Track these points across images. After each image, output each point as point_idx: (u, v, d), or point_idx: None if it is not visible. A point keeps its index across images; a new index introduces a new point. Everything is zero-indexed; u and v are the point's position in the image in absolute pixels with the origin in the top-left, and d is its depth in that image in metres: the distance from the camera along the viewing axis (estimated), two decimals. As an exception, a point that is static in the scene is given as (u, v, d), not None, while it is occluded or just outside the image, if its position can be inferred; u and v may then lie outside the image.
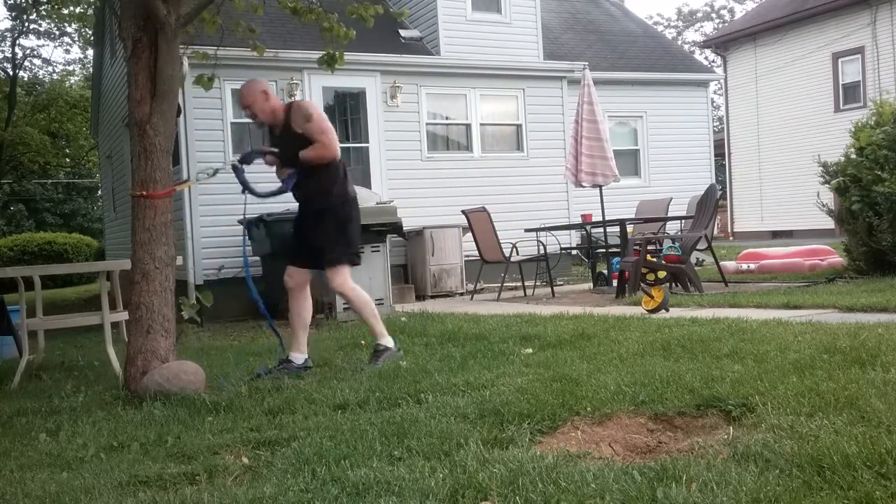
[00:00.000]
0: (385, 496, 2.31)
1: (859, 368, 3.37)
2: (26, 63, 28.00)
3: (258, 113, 4.69)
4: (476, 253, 9.39)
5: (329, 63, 6.22)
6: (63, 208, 35.37)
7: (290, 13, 6.11)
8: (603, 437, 2.91)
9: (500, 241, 9.28)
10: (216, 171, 4.79)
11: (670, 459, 2.45)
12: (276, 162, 4.78)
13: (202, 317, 7.96)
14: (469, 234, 9.50)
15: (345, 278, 4.77)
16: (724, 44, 23.14)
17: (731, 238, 22.06)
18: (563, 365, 4.05)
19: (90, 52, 22.37)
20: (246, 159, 4.75)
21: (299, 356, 4.81)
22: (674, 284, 7.61)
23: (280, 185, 4.75)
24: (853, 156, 8.15)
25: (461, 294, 10.19)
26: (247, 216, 9.22)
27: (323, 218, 4.73)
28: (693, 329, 4.85)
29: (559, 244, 10.90)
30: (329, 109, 11.15)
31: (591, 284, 9.97)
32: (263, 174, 5.10)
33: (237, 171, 4.69)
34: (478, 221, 9.30)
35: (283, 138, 4.74)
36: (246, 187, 4.66)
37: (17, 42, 25.79)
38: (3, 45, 25.87)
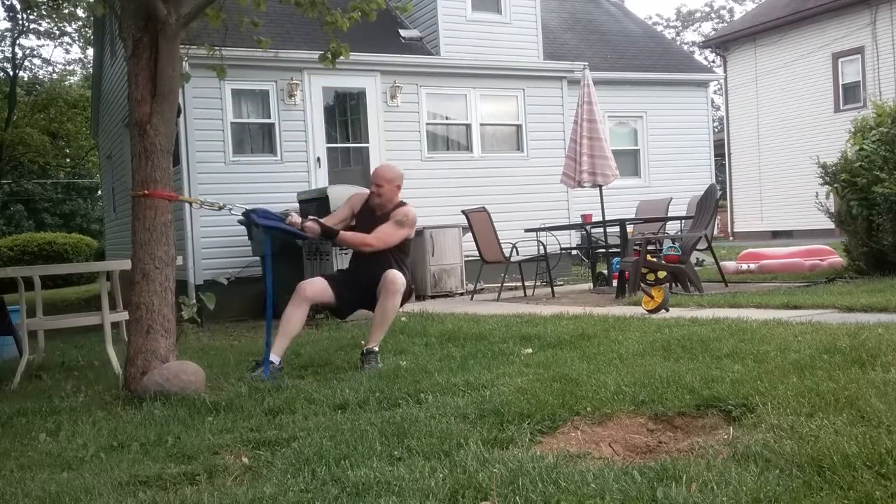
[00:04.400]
0: (385, 496, 2.31)
1: (859, 368, 3.37)
2: (26, 63, 28.08)
3: (381, 194, 4.94)
4: (476, 253, 9.38)
5: (333, 57, 6.21)
6: (63, 208, 35.38)
7: (293, 6, 6.11)
8: (603, 437, 2.91)
9: (500, 241, 9.28)
10: (222, 207, 4.82)
11: (670, 459, 2.45)
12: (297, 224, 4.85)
13: (202, 317, 7.95)
14: (469, 234, 9.49)
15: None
16: (723, 44, 23.14)
17: (731, 238, 22.06)
18: (563, 365, 4.05)
19: (90, 51, 22.38)
20: (250, 219, 4.77)
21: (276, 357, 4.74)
22: (674, 284, 7.60)
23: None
24: (852, 156, 8.13)
25: (461, 294, 10.18)
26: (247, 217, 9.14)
27: None
28: (693, 329, 4.85)
29: (559, 244, 10.90)
30: (329, 109, 11.16)
31: (591, 284, 9.97)
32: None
33: (254, 220, 4.72)
34: (478, 221, 9.29)
35: (369, 217, 4.99)
36: (294, 234, 4.82)
37: (17, 42, 25.84)
38: (3, 45, 25.92)
